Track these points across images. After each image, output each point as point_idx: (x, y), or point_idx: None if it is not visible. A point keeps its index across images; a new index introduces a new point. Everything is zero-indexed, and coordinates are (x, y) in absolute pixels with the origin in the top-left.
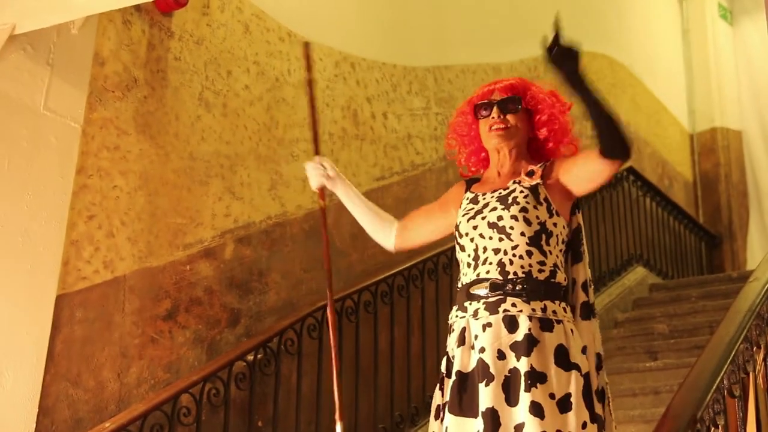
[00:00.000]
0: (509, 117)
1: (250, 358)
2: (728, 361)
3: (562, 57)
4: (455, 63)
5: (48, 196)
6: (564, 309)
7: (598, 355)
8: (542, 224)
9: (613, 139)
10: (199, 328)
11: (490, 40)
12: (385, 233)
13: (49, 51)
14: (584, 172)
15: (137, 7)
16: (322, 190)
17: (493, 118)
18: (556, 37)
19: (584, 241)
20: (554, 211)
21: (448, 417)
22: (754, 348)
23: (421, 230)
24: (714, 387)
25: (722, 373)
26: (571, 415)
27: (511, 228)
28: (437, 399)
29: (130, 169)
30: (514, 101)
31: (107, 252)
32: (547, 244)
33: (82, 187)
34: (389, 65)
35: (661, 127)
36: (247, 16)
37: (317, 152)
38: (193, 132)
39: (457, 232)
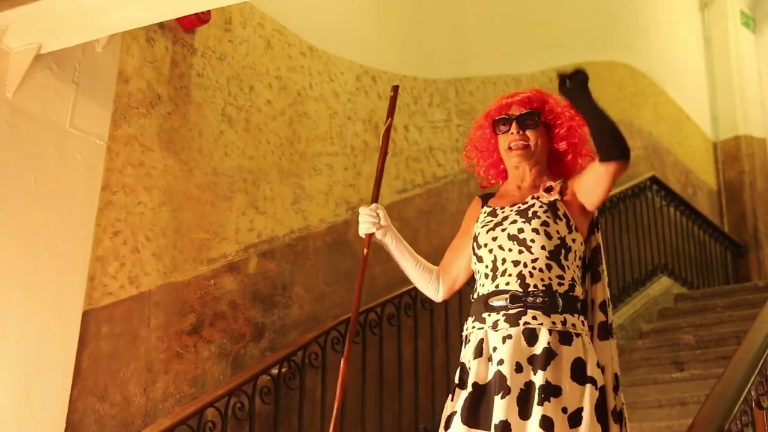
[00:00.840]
0: (529, 133)
1: (275, 371)
2: (756, 372)
3: (571, 80)
4: (476, 75)
5: (74, 212)
6: (582, 322)
7: (616, 376)
8: (562, 239)
9: (609, 141)
10: (224, 343)
11: (510, 51)
12: (432, 286)
13: (74, 69)
14: (589, 181)
15: (160, 25)
16: (369, 237)
17: (512, 134)
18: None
19: (603, 261)
20: (573, 227)
21: (461, 428)
22: None
23: (458, 265)
24: (741, 398)
25: (749, 384)
26: (582, 429)
27: (532, 241)
28: (448, 409)
29: (154, 185)
30: (533, 116)
31: (132, 267)
32: (566, 258)
33: (107, 204)
34: (410, 78)
35: (683, 135)
36: (268, 31)
37: (375, 200)
38: (216, 147)
39: (475, 243)
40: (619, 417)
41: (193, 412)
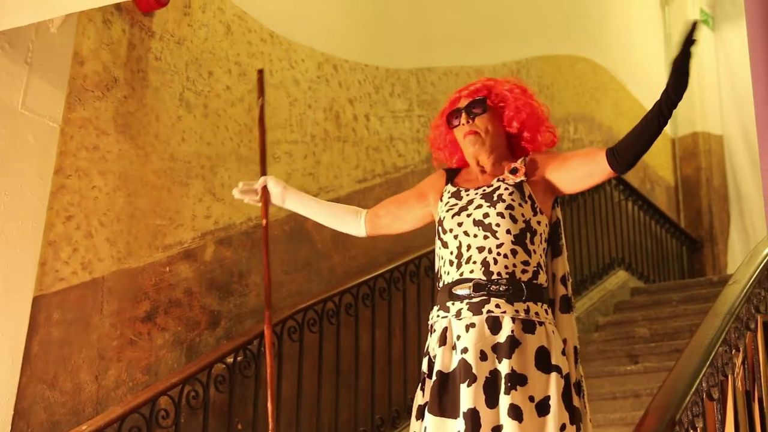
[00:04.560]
0: (478, 121)
1: (230, 360)
2: (707, 364)
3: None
4: (438, 65)
5: (25, 196)
6: (546, 311)
7: (575, 349)
8: (527, 222)
9: (638, 149)
10: (179, 330)
11: (472, 42)
12: (353, 221)
13: (27, 50)
14: (579, 174)
15: (117, 7)
16: (266, 207)
17: (462, 125)
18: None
19: (563, 235)
20: (538, 209)
21: (428, 417)
22: (733, 351)
23: (392, 218)
24: (692, 390)
25: (701, 375)
26: (550, 418)
27: (497, 225)
28: (419, 399)
29: (109, 170)
30: (479, 103)
31: (85, 253)
32: (532, 242)
33: (60, 188)
34: (372, 67)
35: None
36: (228, 16)
37: (263, 173)
38: (173, 132)
39: (440, 228)
40: (578, 388)
41: (145, 400)
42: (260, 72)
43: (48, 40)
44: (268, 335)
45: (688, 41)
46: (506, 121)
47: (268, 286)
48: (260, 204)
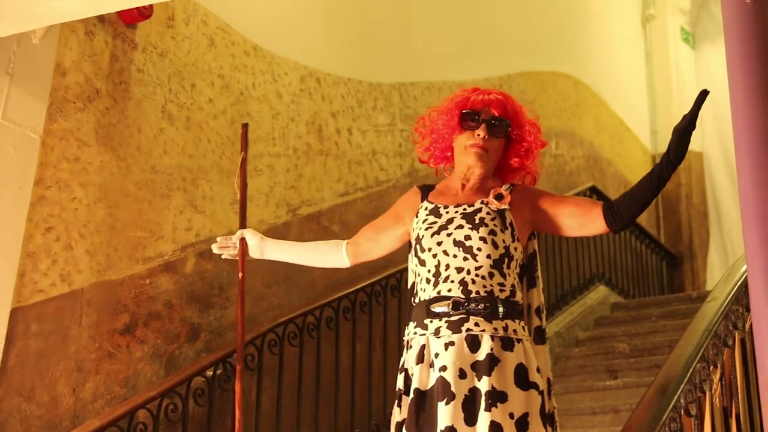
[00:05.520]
0: (493, 140)
1: (210, 373)
2: (685, 381)
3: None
4: (421, 80)
5: (5, 207)
6: (523, 328)
7: (548, 380)
8: (506, 248)
9: (636, 211)
10: (158, 343)
11: (456, 57)
12: (335, 254)
13: (8, 60)
14: (574, 223)
15: (100, 18)
16: (243, 261)
17: (478, 135)
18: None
19: (539, 267)
20: (516, 237)
21: None
22: (711, 367)
23: (372, 245)
24: (671, 406)
25: (679, 392)
26: None
27: (479, 249)
28: (396, 416)
29: (90, 181)
30: (503, 126)
31: (65, 265)
32: (508, 267)
33: (40, 199)
34: (355, 81)
35: (624, 147)
36: (212, 29)
37: (242, 226)
38: (155, 145)
39: (418, 246)
40: (551, 420)
41: (123, 413)
42: (245, 126)
43: (30, 50)
44: (239, 389)
45: (698, 110)
46: (512, 155)
47: (241, 338)
48: (238, 258)
